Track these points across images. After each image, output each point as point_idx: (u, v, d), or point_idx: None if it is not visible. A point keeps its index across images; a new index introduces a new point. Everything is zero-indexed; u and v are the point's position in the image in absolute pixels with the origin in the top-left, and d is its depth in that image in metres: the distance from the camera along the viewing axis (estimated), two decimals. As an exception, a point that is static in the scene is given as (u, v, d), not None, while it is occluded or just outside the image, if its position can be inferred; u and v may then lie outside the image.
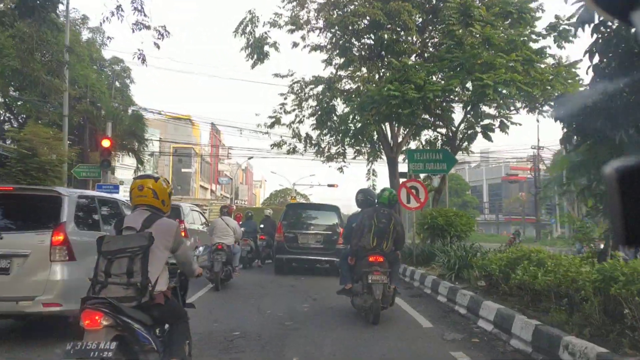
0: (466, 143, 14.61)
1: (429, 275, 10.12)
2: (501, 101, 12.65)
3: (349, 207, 23.10)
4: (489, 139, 13.36)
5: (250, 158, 52.02)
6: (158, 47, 11.21)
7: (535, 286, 6.12)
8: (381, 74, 16.84)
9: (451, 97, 13.56)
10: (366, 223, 7.11)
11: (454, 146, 14.35)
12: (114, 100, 21.87)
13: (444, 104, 13.67)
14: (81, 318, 3.13)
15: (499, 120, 13.19)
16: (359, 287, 7.08)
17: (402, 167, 21.44)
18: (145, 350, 3.28)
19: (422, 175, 14.57)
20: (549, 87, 12.45)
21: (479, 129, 13.44)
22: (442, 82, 13.05)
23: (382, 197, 7.43)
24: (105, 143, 18.30)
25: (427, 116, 14.56)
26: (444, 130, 14.92)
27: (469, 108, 12.81)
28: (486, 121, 13.44)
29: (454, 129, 14.51)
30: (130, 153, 22.70)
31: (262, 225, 16.36)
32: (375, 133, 19.98)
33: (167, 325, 3.62)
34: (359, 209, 8.04)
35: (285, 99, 19.70)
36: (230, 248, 10.46)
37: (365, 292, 6.86)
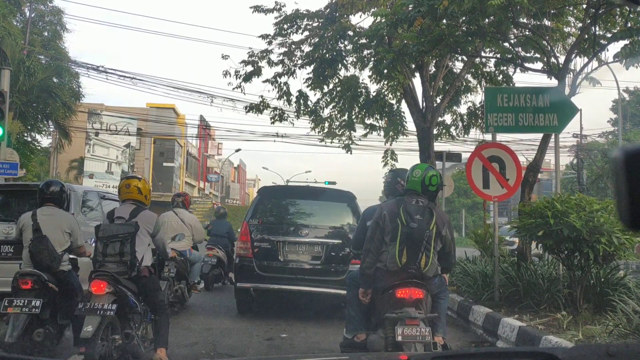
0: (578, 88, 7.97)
1: (546, 336, 4.90)
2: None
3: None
4: None
5: (237, 150, 46.35)
6: None
7: None
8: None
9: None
10: (386, 225, 4.03)
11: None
12: (30, 47, 15.39)
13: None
14: (90, 285, 4.22)
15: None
16: (377, 339, 4.01)
17: (438, 146, 15.23)
18: (132, 311, 4.44)
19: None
20: None
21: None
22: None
23: (412, 180, 4.11)
24: (-6, 97, 12.02)
25: (515, 33, 8.07)
26: (537, 65, 8.39)
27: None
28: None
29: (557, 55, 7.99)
30: (46, 120, 16.17)
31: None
32: (395, 99, 13.85)
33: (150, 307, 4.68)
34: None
35: (270, 43, 13.31)
36: (185, 255, 7.60)
37: (390, 351, 3.87)
